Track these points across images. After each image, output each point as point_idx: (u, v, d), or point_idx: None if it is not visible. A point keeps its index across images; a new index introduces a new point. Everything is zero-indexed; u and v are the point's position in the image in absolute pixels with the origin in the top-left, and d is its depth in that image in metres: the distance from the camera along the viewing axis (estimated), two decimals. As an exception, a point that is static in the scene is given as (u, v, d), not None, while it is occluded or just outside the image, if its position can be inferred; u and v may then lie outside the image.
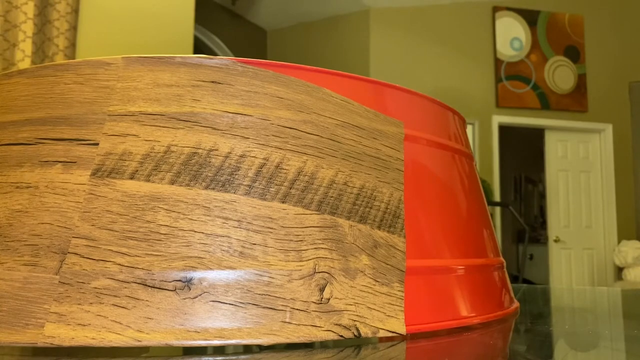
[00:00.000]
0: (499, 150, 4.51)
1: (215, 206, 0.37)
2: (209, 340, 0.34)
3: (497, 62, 4.52)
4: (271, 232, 0.37)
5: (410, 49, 4.41)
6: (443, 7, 4.50)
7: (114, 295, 0.34)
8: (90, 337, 0.33)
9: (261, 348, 0.36)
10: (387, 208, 0.42)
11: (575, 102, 4.65)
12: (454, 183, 0.50)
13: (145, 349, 0.35)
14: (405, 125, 0.46)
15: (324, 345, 0.36)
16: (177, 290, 0.34)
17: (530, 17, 4.65)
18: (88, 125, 0.39)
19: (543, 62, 4.64)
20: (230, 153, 0.38)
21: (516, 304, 0.56)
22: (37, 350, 0.35)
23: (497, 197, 4.41)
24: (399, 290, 0.40)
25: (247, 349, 0.36)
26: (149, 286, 0.34)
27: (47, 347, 0.34)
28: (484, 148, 4.43)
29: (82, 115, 0.40)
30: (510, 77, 4.53)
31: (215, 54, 4.52)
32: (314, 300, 0.36)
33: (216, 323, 0.34)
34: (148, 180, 0.37)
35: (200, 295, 0.34)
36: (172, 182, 0.37)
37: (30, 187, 0.38)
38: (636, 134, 4.72)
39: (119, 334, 0.33)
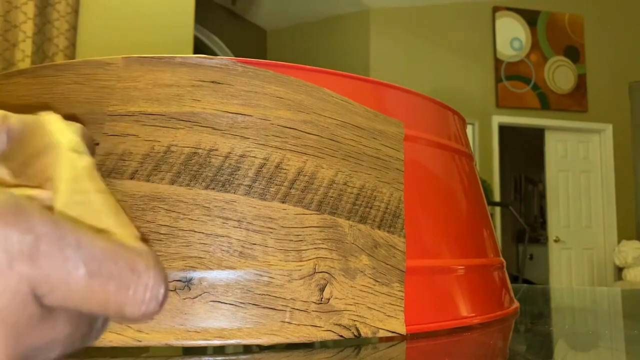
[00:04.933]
0: (499, 150, 4.51)
1: (215, 206, 0.37)
2: (209, 340, 0.34)
3: (497, 62, 4.52)
4: (271, 232, 0.37)
5: (410, 49, 4.40)
6: (443, 7, 4.50)
7: (114, 295, 0.34)
8: (90, 337, 0.33)
9: (261, 348, 0.36)
10: (387, 208, 0.42)
11: (575, 102, 4.65)
12: (454, 183, 0.50)
13: (145, 349, 0.35)
14: (405, 125, 0.46)
15: (324, 345, 0.36)
16: (177, 290, 0.34)
17: (530, 17, 4.65)
18: (88, 125, 0.39)
19: (543, 62, 4.63)
20: (230, 153, 0.38)
21: (516, 304, 0.56)
22: (37, 350, 0.35)
23: (497, 197, 4.41)
24: (399, 290, 0.40)
25: (247, 349, 0.36)
26: (149, 286, 0.34)
27: (47, 347, 0.34)
28: (484, 148, 4.43)
29: (82, 115, 0.40)
30: (510, 77, 4.53)
31: (215, 54, 4.51)
32: (314, 300, 0.36)
33: (216, 323, 0.34)
34: (148, 180, 0.37)
35: (200, 295, 0.34)
36: (172, 182, 0.37)
37: (30, 187, 0.38)
38: (636, 134, 4.72)
39: (119, 334, 0.33)
